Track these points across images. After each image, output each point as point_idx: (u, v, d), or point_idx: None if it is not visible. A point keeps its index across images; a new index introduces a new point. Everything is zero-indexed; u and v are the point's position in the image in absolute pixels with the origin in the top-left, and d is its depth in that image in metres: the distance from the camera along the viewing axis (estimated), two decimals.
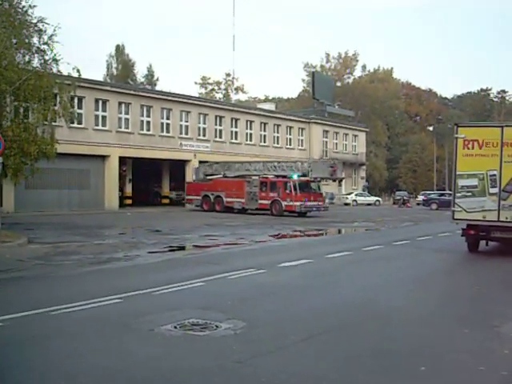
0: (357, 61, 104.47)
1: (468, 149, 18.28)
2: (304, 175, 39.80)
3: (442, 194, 61.01)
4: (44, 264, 15.63)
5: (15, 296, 11.35)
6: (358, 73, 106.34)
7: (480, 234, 18.59)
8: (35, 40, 27.28)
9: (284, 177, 40.53)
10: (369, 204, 63.91)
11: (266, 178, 41.57)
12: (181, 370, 6.43)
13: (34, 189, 37.77)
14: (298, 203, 38.81)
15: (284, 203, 39.50)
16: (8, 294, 11.73)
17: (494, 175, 17.97)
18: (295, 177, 39.56)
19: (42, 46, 27.14)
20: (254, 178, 42.36)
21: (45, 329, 8.43)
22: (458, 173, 18.57)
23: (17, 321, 8.75)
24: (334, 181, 44.40)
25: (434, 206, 56.93)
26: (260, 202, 41.19)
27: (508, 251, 18.94)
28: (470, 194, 18.34)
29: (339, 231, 29.49)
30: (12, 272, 14.31)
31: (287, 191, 39.39)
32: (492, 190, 18.04)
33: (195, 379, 6.19)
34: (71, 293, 11.25)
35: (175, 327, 8.17)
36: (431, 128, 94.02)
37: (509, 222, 17.85)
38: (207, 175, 45.84)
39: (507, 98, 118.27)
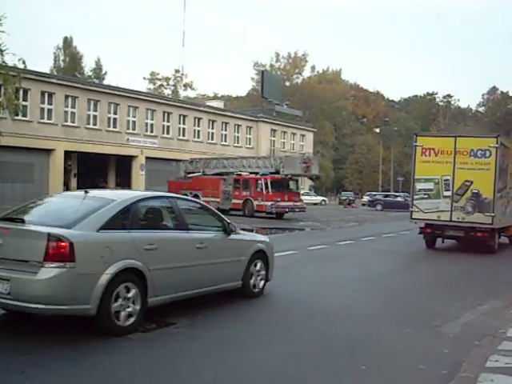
0: (306, 61, 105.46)
1: (425, 156, 20.22)
2: (277, 172, 36.95)
3: (387, 196, 61.96)
4: None
5: None
6: (307, 73, 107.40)
7: (435, 232, 20.62)
8: None
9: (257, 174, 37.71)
10: (315, 204, 64.33)
11: (240, 175, 39.03)
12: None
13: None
14: (268, 203, 35.66)
15: (256, 203, 36.63)
16: None
17: (448, 180, 19.86)
18: (266, 173, 36.57)
19: None
20: (230, 175, 39.65)
21: None
22: (416, 177, 20.55)
23: None
24: (310, 178, 43.42)
25: (379, 207, 57.74)
26: (233, 201, 38.34)
27: (462, 248, 20.91)
28: (426, 196, 20.29)
29: (284, 230, 28.93)
30: None
31: (258, 189, 36.56)
32: (446, 193, 19.93)
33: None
34: None
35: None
36: (378, 130, 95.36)
37: (460, 221, 19.80)
38: (188, 173, 43.41)
39: (452, 102, 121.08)
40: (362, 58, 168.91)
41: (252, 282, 10.53)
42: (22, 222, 7.69)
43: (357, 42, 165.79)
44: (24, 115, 41.50)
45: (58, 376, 6.06)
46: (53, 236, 7.11)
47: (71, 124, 45.72)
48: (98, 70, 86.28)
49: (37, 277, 7.00)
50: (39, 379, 5.98)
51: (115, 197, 8.47)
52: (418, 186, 20.35)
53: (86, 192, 8.67)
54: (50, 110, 44.41)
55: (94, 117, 47.76)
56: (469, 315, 9.95)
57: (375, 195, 64.63)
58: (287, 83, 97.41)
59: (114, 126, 49.24)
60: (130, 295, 7.71)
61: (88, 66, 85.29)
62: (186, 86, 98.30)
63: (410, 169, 21.61)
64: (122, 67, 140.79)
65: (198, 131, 57.74)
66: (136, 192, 10.22)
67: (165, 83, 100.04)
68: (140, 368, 6.46)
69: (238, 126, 63.28)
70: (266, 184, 36.09)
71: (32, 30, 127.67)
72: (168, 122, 54.41)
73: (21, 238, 7.45)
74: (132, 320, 7.73)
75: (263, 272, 10.85)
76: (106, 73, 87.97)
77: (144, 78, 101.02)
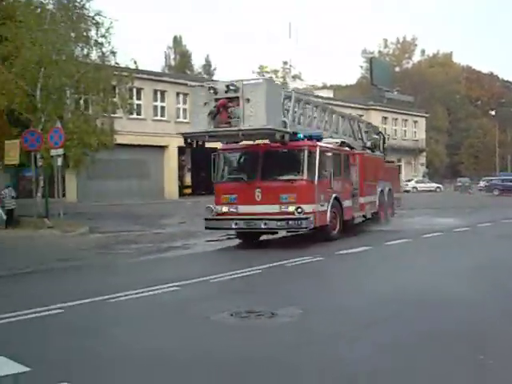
0: (415, 45, 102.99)
1: None
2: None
3: (505, 180, 59.59)
4: (104, 253, 15.95)
5: (75, 284, 11.62)
6: (416, 58, 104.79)
7: None
8: (93, 33, 27.76)
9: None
10: (429, 191, 62.87)
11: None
12: (234, 358, 6.41)
13: (95, 179, 38.48)
14: None
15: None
16: (68, 282, 12.03)
17: None
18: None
19: (100, 39, 27.60)
20: None
21: (102, 316, 8.59)
22: None
23: (76, 308, 8.92)
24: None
25: (496, 192, 55.65)
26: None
27: None
28: None
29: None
30: (73, 261, 14.66)
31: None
32: None
33: (248, 367, 6.16)
34: (129, 281, 11.46)
35: (231, 315, 8.17)
36: (493, 112, 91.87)
37: None
38: None
39: None
40: (473, 40, 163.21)
41: None
42: None
43: (467, 23, 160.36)
44: (138, 114, 42.87)
45: None
46: None
47: (183, 120, 46.72)
48: (207, 66, 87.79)
49: None
50: None
51: None
52: None
53: None
54: (162, 108, 45.63)
55: None
56: None
57: (492, 180, 62.33)
58: (397, 69, 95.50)
59: None
60: None
61: (197, 63, 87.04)
62: (294, 77, 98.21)
63: None
64: (231, 62, 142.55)
65: None
66: None
67: (273, 76, 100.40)
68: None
69: None
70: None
71: (143, 30, 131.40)
72: None
73: None
74: None
75: None
76: (215, 68, 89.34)
77: (253, 72, 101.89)
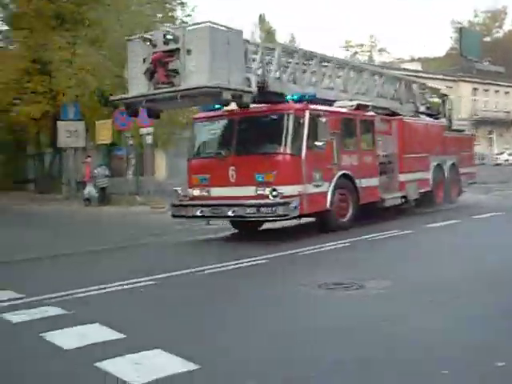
0: (505, 13, 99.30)
1: None
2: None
3: None
4: (189, 229, 16.13)
5: (172, 258, 12.03)
6: (507, 27, 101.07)
7: None
8: (178, 13, 28.16)
9: None
10: None
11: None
12: (321, 328, 6.44)
13: (184, 157, 38.89)
14: None
15: None
16: (164, 255, 12.50)
17: None
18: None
19: (186, 19, 27.95)
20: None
21: (193, 287, 8.86)
22: None
23: (170, 279, 9.28)
24: None
25: None
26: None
27: None
28: None
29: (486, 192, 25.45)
30: (166, 235, 15.10)
31: None
32: None
33: (336, 336, 6.19)
34: (216, 254, 11.73)
35: (319, 286, 8.23)
36: None
37: None
38: None
39: None
40: None
41: None
42: None
43: None
44: None
45: None
46: None
47: None
48: (292, 43, 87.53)
49: None
50: None
51: None
52: None
53: None
54: None
55: None
56: None
57: None
58: (487, 39, 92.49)
59: None
60: None
61: (282, 40, 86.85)
62: (380, 50, 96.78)
63: None
64: (316, 38, 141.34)
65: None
66: None
67: (359, 50, 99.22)
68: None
69: None
70: None
71: (227, 8, 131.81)
72: None
73: None
74: None
75: None
76: (299, 45, 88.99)
77: (339, 47, 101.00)
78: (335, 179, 14.03)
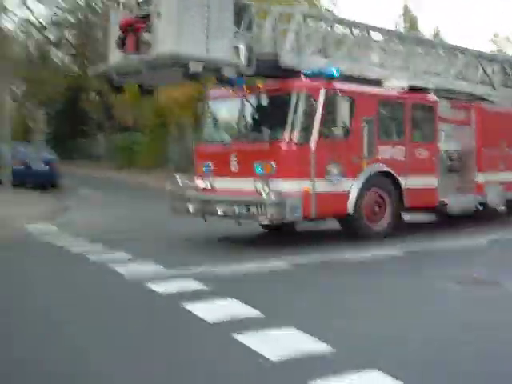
0: None
1: None
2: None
3: None
4: None
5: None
6: None
7: None
8: None
9: None
10: None
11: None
12: (452, 323, 6.26)
13: None
14: None
15: None
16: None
17: None
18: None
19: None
20: None
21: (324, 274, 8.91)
22: None
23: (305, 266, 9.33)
24: None
25: None
26: None
27: None
28: None
29: None
30: None
31: None
32: None
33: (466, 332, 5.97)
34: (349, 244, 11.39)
35: (459, 282, 8.04)
36: None
37: None
38: None
39: None
40: None
41: None
42: None
43: None
44: None
45: None
46: None
47: None
48: (435, 35, 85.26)
49: None
50: None
51: None
52: None
53: None
54: None
55: None
56: None
57: None
58: None
59: None
60: None
61: (425, 31, 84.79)
62: None
63: None
64: (462, 31, 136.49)
65: None
66: None
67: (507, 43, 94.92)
68: None
69: None
70: None
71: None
72: None
73: None
74: None
75: None
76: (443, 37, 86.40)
77: (488, 41, 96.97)
78: (365, 176, 11.37)
